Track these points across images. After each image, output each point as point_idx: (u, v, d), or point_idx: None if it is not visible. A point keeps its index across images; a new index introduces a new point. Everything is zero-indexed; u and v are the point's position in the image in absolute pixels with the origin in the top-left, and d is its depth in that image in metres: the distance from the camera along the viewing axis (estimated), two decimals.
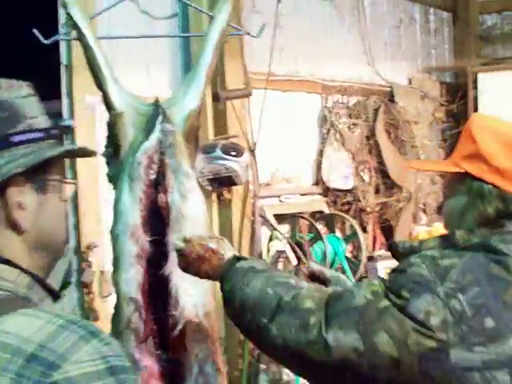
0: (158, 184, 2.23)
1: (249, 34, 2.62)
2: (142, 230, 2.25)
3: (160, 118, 2.16)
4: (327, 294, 1.83)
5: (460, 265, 1.76)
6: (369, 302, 1.75)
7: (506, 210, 1.86)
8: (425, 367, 1.69)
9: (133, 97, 2.28)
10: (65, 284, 5.28)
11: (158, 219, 2.26)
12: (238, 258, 2.00)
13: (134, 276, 2.25)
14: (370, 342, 1.71)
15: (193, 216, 2.23)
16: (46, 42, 2.52)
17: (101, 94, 2.23)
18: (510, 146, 1.89)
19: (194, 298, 2.21)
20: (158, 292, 2.28)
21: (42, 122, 1.43)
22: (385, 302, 1.74)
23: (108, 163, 2.33)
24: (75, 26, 2.22)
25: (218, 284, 2.01)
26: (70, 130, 2.28)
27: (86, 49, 2.22)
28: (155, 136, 2.15)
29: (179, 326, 2.18)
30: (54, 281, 4.68)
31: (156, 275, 2.26)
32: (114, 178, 2.36)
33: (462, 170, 1.93)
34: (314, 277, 2.25)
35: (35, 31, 2.48)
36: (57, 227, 1.42)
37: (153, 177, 2.20)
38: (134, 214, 2.21)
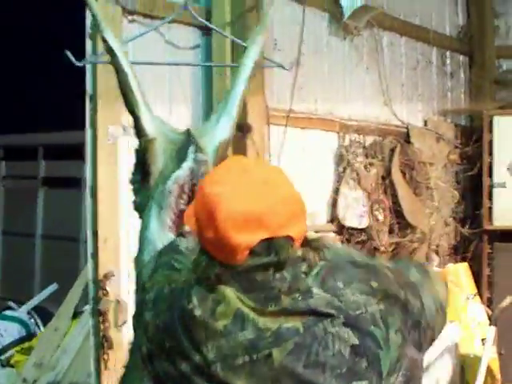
0: None
1: (282, 66, 2.61)
2: None
3: (192, 148, 2.13)
4: None
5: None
6: None
7: None
8: None
9: (164, 124, 2.27)
10: (76, 314, 5.33)
11: None
12: None
13: None
14: None
15: None
16: (78, 64, 2.55)
17: (132, 119, 2.22)
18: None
19: None
20: None
21: None
22: None
23: (135, 190, 2.31)
24: (109, 50, 2.22)
25: None
26: None
27: (119, 72, 2.21)
28: (188, 165, 2.11)
29: None
30: (66, 310, 4.72)
31: None
32: (140, 206, 2.34)
33: None
34: None
35: (68, 53, 2.50)
36: None
37: (183, 206, 2.18)
38: (163, 243, 2.20)
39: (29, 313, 6.50)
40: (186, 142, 2.16)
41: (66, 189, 8.26)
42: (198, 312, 1.70)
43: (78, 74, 4.14)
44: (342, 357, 1.67)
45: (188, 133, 2.18)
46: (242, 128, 4.17)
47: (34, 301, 6.66)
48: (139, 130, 2.21)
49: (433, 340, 1.93)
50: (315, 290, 1.70)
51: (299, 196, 1.77)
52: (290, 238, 1.71)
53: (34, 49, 7.66)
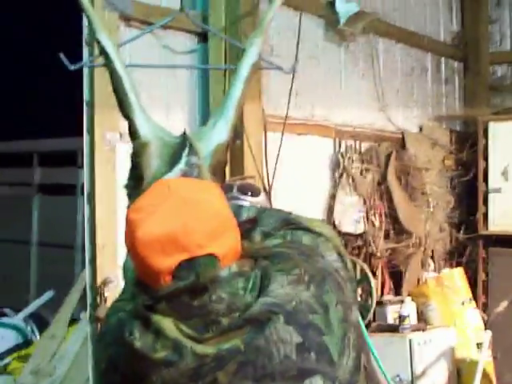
0: None
1: (281, 68, 2.57)
2: None
3: (186, 151, 2.10)
4: None
5: None
6: None
7: None
8: None
9: (159, 127, 2.22)
10: (73, 321, 5.34)
11: None
12: None
13: None
14: None
15: None
16: (72, 67, 2.55)
17: (126, 122, 2.19)
18: None
19: None
20: None
21: None
22: None
23: (128, 195, 2.28)
24: (103, 52, 2.20)
25: None
26: None
27: (112, 75, 2.18)
28: (179, 168, 2.07)
29: None
30: (63, 317, 4.71)
31: None
32: None
33: None
34: None
35: (62, 56, 2.49)
36: None
37: None
38: None
39: (25, 320, 6.50)
40: (181, 146, 2.11)
41: (60, 195, 8.27)
42: (138, 344, 1.65)
43: (72, 81, 4.16)
44: (289, 360, 1.63)
45: (184, 136, 2.15)
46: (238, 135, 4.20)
47: (31, 308, 6.65)
48: (132, 134, 2.16)
49: (356, 290, 1.89)
50: (253, 303, 1.65)
51: (222, 211, 1.70)
52: (213, 256, 1.64)
53: (29, 56, 7.68)
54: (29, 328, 6.36)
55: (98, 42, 2.18)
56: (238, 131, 4.21)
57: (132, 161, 2.13)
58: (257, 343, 1.63)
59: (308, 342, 1.65)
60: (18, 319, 6.44)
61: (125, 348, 1.67)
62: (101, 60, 2.26)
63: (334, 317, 1.70)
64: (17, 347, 5.99)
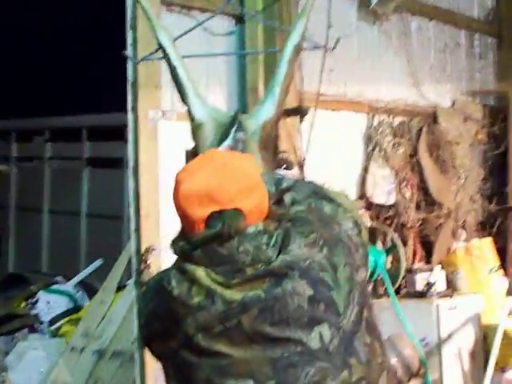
0: None
1: (325, 47, 2.74)
2: None
3: (235, 128, 2.34)
4: None
5: None
6: None
7: None
8: None
9: (215, 109, 2.49)
10: (120, 287, 5.61)
11: None
12: None
13: None
14: None
15: None
16: (136, 61, 2.86)
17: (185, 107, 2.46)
18: None
19: None
20: None
21: None
22: None
23: None
24: (161, 47, 2.50)
25: None
26: None
27: (170, 67, 2.49)
28: (227, 143, 2.33)
29: None
30: (111, 283, 4.99)
31: None
32: None
33: None
34: None
35: (126, 53, 2.80)
36: None
37: None
38: None
39: (75, 287, 6.80)
40: (231, 123, 2.35)
41: (109, 169, 8.48)
42: (176, 292, 1.97)
43: (120, 59, 4.41)
44: (302, 309, 1.93)
45: (234, 115, 2.41)
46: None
47: (81, 275, 6.95)
48: (190, 117, 2.45)
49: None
50: (274, 257, 1.95)
51: (252, 175, 2.00)
52: (239, 210, 1.94)
53: (78, 35, 7.93)
54: (79, 294, 6.65)
55: (157, 38, 2.49)
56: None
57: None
58: (275, 293, 1.93)
59: (318, 295, 1.96)
60: (69, 286, 6.75)
61: (165, 297, 1.99)
62: (159, 54, 2.56)
63: (342, 276, 2.00)
64: (68, 312, 6.29)
